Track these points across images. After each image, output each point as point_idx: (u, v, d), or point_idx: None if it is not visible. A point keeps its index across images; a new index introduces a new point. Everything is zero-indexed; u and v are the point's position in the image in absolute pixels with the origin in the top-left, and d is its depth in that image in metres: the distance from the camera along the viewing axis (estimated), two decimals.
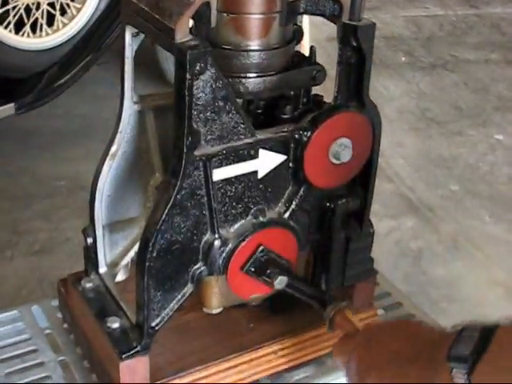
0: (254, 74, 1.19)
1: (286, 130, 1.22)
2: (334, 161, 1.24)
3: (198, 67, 1.08)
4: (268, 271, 1.22)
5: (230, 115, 1.15)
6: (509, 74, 3.78)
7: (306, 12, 1.19)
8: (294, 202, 1.26)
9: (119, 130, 1.28)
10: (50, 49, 3.02)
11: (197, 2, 1.09)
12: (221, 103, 1.13)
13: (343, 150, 1.24)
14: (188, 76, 1.08)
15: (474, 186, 3.06)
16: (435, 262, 2.71)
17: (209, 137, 1.15)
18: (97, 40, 2.99)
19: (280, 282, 1.23)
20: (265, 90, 1.20)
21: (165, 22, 1.10)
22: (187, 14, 1.09)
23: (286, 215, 1.26)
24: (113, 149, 1.28)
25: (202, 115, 1.12)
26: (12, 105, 2.87)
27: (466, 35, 4.14)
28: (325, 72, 1.24)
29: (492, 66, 3.85)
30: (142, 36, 1.23)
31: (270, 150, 1.21)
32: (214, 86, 1.11)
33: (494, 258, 2.68)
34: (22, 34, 2.95)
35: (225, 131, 1.16)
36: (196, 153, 1.14)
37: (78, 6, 3.04)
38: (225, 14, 1.16)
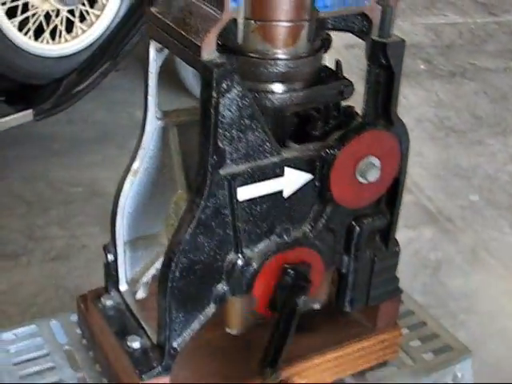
0: (281, 89, 1.16)
1: (312, 148, 1.19)
2: (362, 180, 1.21)
3: (224, 85, 1.05)
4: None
5: (256, 133, 1.12)
6: None
7: (334, 28, 1.16)
8: (319, 222, 1.23)
9: (142, 145, 1.25)
10: (69, 55, 2.99)
11: (224, 18, 1.06)
12: (247, 121, 1.10)
13: (371, 169, 1.20)
14: (214, 94, 1.05)
15: (494, 197, 3.01)
16: (454, 274, 2.67)
17: (234, 155, 1.12)
18: (115, 47, 2.96)
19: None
20: (291, 105, 1.17)
21: (191, 39, 1.07)
22: (214, 31, 1.06)
23: (312, 234, 1.23)
24: (135, 165, 1.26)
25: (227, 133, 1.09)
26: (30, 111, 2.85)
27: (485, 43, 4.09)
28: (352, 87, 1.21)
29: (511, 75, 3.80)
30: (166, 51, 1.20)
31: (296, 168, 1.18)
32: (240, 104, 1.09)
33: None
34: (42, 41, 2.92)
35: (250, 149, 1.13)
36: (221, 172, 1.11)
37: (97, 12, 3.01)
38: (252, 22, 1.12)
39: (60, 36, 2.97)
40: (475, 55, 3.97)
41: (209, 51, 1.06)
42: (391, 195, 1.28)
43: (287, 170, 1.17)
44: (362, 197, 1.24)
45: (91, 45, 3.02)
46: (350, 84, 1.21)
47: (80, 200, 2.91)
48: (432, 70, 3.73)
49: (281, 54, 1.14)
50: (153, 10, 1.16)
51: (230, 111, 1.08)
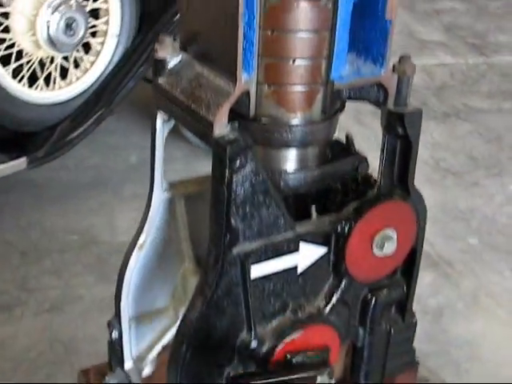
0: (294, 168, 1.10)
1: (327, 220, 1.13)
2: (378, 253, 1.15)
3: (238, 163, 0.99)
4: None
5: (270, 209, 1.06)
6: None
7: (350, 98, 1.10)
8: (334, 296, 1.17)
9: (148, 219, 1.18)
10: (63, 102, 2.93)
11: (236, 92, 1.01)
12: (260, 197, 1.04)
13: (387, 242, 1.14)
14: (227, 172, 0.99)
15: (493, 239, 2.97)
16: (456, 320, 2.61)
17: (247, 233, 1.06)
18: (110, 93, 2.91)
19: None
20: (305, 184, 1.11)
21: (202, 114, 1.01)
22: (226, 105, 1.00)
23: (326, 310, 1.17)
24: (141, 239, 1.19)
25: (240, 211, 1.03)
26: (24, 159, 2.79)
27: (478, 84, 4.07)
28: (367, 162, 1.15)
29: (505, 115, 3.77)
30: (172, 121, 1.14)
31: (311, 242, 1.12)
32: (253, 181, 1.03)
33: None
34: (36, 88, 2.87)
35: (264, 226, 1.07)
36: (234, 251, 1.05)
37: (92, 58, 2.96)
38: (266, 87, 1.07)
39: (54, 83, 2.91)
40: (468, 96, 3.94)
41: (221, 126, 1.00)
42: (408, 266, 1.22)
43: (302, 244, 1.11)
44: (379, 270, 1.18)
45: (86, 91, 2.96)
46: (365, 160, 1.15)
47: (75, 248, 2.85)
48: (426, 111, 3.68)
49: (295, 119, 1.09)
50: (160, 80, 1.10)
51: (244, 188, 1.02)
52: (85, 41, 2.90)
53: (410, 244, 1.19)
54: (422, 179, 3.27)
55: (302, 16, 1.01)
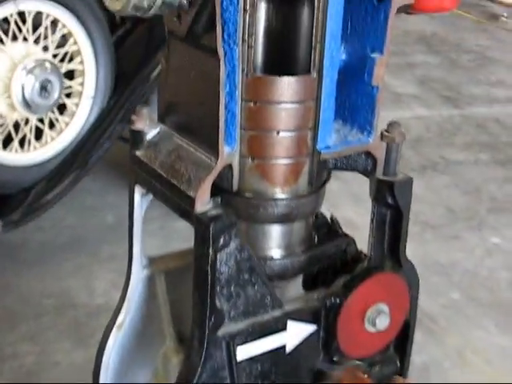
0: (280, 254, 1.04)
1: (316, 296, 1.06)
2: (370, 329, 1.08)
3: (221, 241, 0.92)
4: None
5: (256, 287, 0.99)
6: (499, 175, 3.67)
7: (336, 167, 1.04)
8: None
9: (127, 297, 1.11)
10: (38, 164, 2.86)
11: (218, 166, 0.94)
12: (246, 276, 0.97)
13: (380, 317, 1.07)
14: (211, 251, 0.92)
15: (475, 293, 2.90)
16: (443, 379, 2.53)
17: (232, 313, 0.98)
18: (85, 154, 2.85)
19: None
20: (292, 270, 1.05)
21: (182, 189, 0.94)
22: (208, 180, 0.93)
23: None
24: (120, 318, 1.11)
25: (225, 291, 0.96)
26: None
27: (454, 136, 4.05)
28: (355, 244, 1.09)
29: (482, 167, 3.75)
30: (151, 195, 1.07)
31: (300, 320, 1.04)
32: (238, 258, 0.96)
33: (505, 371, 2.51)
34: (10, 150, 2.79)
35: (250, 305, 0.99)
36: (219, 333, 0.97)
37: (67, 119, 2.89)
38: (249, 160, 1.00)
39: (29, 144, 2.83)
40: (444, 148, 3.92)
41: (203, 202, 0.93)
42: (401, 340, 1.15)
43: (290, 322, 1.03)
44: (371, 346, 1.10)
45: (61, 152, 2.89)
46: (352, 241, 1.09)
47: (52, 312, 2.75)
48: (403, 164, 3.64)
49: (280, 193, 1.02)
50: (138, 153, 1.04)
51: (228, 266, 0.95)
52: (60, 102, 2.85)
53: (403, 317, 1.12)
54: None
55: (286, 87, 0.96)
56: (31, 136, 2.83)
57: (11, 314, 2.71)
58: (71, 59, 2.87)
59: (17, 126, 2.80)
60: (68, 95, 2.90)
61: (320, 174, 1.03)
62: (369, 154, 1.04)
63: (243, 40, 0.92)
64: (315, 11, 0.93)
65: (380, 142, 1.03)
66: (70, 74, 2.88)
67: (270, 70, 0.98)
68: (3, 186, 2.79)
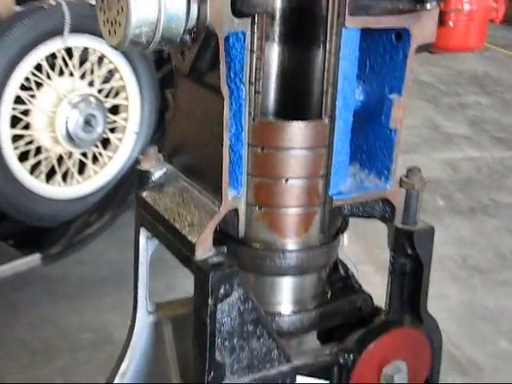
0: (290, 310, 0.97)
1: (328, 352, 0.98)
2: None
3: (222, 290, 0.86)
4: None
5: (262, 340, 0.92)
6: None
7: (352, 214, 0.97)
8: None
9: (131, 344, 1.05)
10: (80, 197, 2.85)
11: (222, 210, 0.88)
12: (250, 327, 0.90)
13: (397, 375, 0.99)
14: (210, 301, 0.86)
15: None
16: None
17: (236, 367, 0.91)
18: (128, 188, 2.83)
19: None
20: (302, 328, 0.97)
21: (184, 234, 0.89)
22: (210, 225, 0.87)
23: None
24: (123, 367, 1.06)
25: (227, 343, 0.89)
26: (38, 255, 2.69)
27: (505, 178, 3.92)
28: (372, 300, 1.01)
29: None
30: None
31: (309, 376, 0.97)
32: (242, 309, 0.89)
33: None
34: (53, 183, 2.79)
35: (255, 359, 0.92)
36: None
37: (111, 154, 2.88)
38: (256, 208, 0.94)
39: (72, 178, 2.83)
40: (495, 191, 3.79)
41: (204, 249, 0.87)
42: None
43: (299, 378, 0.96)
44: None
45: (103, 186, 2.87)
46: (369, 297, 1.01)
47: (88, 347, 2.71)
48: (452, 206, 3.55)
49: (290, 244, 0.95)
50: (143, 194, 0.98)
51: (230, 317, 0.89)
52: (104, 136, 2.84)
53: (424, 377, 1.03)
54: (448, 277, 3.10)
55: (295, 133, 0.89)
56: (74, 170, 2.82)
57: (48, 347, 2.69)
58: (116, 94, 2.87)
59: (60, 159, 2.80)
60: (112, 130, 2.89)
61: (333, 221, 0.96)
62: (386, 201, 0.96)
63: (250, 83, 0.87)
64: (326, 54, 0.87)
65: (398, 189, 0.96)
66: (114, 109, 2.88)
67: (281, 114, 0.92)
68: (45, 219, 2.79)
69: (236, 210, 0.91)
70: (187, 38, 0.82)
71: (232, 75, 0.86)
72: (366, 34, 0.92)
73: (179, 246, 0.90)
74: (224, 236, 0.92)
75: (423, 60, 5.49)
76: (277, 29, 0.91)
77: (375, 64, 0.94)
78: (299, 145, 0.90)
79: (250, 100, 0.87)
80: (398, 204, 0.96)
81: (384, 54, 0.92)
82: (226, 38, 0.84)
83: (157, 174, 0.99)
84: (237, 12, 0.81)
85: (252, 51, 0.85)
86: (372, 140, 0.95)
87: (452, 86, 5.16)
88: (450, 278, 3.11)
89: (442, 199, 3.58)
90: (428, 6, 0.88)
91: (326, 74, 0.88)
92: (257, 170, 0.91)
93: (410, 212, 0.96)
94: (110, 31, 0.80)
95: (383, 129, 0.93)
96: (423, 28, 0.89)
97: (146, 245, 1.00)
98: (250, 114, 0.88)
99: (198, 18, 0.80)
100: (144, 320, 1.05)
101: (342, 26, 0.85)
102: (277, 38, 0.91)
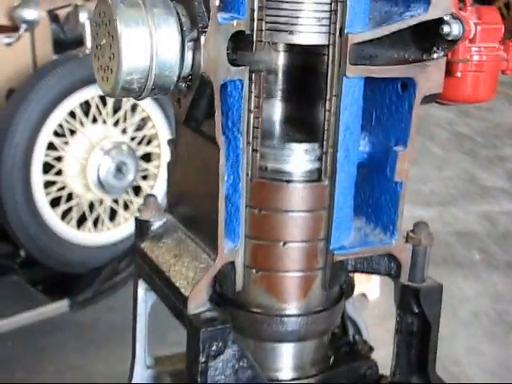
0: (289, 376, 0.92)
1: None
2: None
3: (214, 347, 0.82)
4: None
5: None
6: None
7: (356, 270, 0.92)
8: None
9: None
10: (111, 244, 2.84)
11: (217, 263, 0.85)
12: None
13: None
14: (201, 358, 0.82)
15: None
16: None
17: None
18: None
19: None
20: None
21: (177, 287, 0.85)
22: (205, 279, 0.84)
23: None
24: None
25: None
26: (66, 301, 2.68)
27: None
28: (377, 367, 0.96)
29: None
30: None
31: None
32: (236, 367, 0.85)
33: None
34: (84, 230, 2.79)
35: None
36: None
37: (141, 201, 2.87)
38: (253, 271, 0.90)
39: (102, 224, 2.82)
40: None
41: (197, 303, 0.83)
42: None
43: None
44: None
45: (133, 234, 2.86)
46: (374, 364, 0.96)
47: None
48: (488, 260, 3.45)
49: (288, 309, 0.91)
50: (142, 244, 0.96)
51: (224, 375, 0.84)
52: (135, 184, 2.84)
53: None
54: (480, 333, 2.99)
55: (294, 195, 0.86)
56: (105, 216, 2.82)
57: None
58: (149, 142, 2.87)
59: (91, 206, 2.80)
60: (144, 177, 2.89)
61: (336, 278, 0.91)
62: (392, 257, 0.92)
63: (248, 142, 0.84)
64: (326, 104, 0.83)
65: (404, 244, 0.91)
66: (146, 157, 2.88)
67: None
68: (74, 266, 2.78)
69: (233, 263, 0.87)
70: (182, 85, 0.80)
71: (229, 124, 0.84)
72: (372, 82, 0.89)
73: (173, 300, 0.86)
74: (222, 299, 0.88)
75: (460, 112, 5.43)
76: (278, 85, 0.88)
77: (381, 115, 0.90)
78: (297, 207, 0.86)
79: (247, 160, 0.84)
80: (404, 260, 0.91)
81: (390, 104, 0.89)
82: (224, 86, 0.81)
83: (156, 224, 0.96)
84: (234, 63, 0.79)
85: (250, 110, 0.82)
86: (377, 193, 0.91)
87: (490, 139, 5.07)
88: (484, 334, 3.01)
89: (478, 253, 3.48)
90: (435, 55, 0.84)
91: (325, 135, 0.84)
92: (254, 231, 0.87)
93: (417, 269, 0.92)
94: (103, 78, 0.78)
95: (388, 182, 0.89)
96: (430, 78, 0.85)
97: (145, 296, 0.97)
98: (247, 174, 0.85)
99: (192, 65, 0.78)
100: (142, 374, 1.01)
101: (343, 74, 0.82)
102: (277, 94, 0.89)
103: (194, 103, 0.81)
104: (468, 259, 3.43)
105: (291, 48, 0.88)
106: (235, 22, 0.79)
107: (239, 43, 0.80)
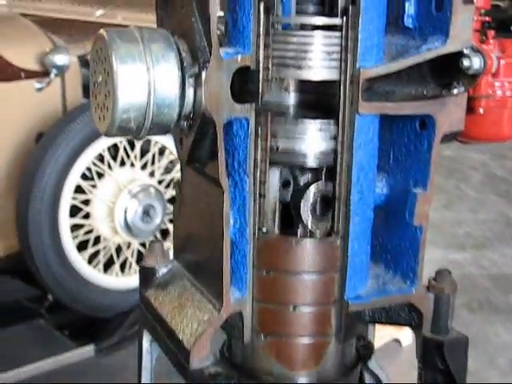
0: None
1: None
2: None
3: None
4: None
5: None
6: None
7: (373, 321, 0.85)
8: None
9: None
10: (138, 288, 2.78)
11: (223, 313, 0.78)
12: None
13: None
14: None
15: None
16: None
17: None
18: None
19: None
20: None
21: (180, 339, 0.79)
22: (208, 332, 0.77)
23: None
24: None
25: None
26: (92, 346, 2.62)
27: None
28: None
29: None
30: None
31: None
32: None
33: None
34: (111, 273, 2.74)
35: None
36: None
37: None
38: (261, 336, 0.83)
39: (130, 268, 2.78)
40: None
41: (201, 358, 0.77)
42: None
43: None
44: None
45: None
46: None
47: None
48: None
49: (299, 377, 0.84)
50: (147, 292, 0.90)
51: None
52: (162, 227, 2.80)
53: None
54: None
55: (304, 255, 0.80)
56: (132, 260, 2.77)
57: None
58: None
59: (119, 249, 2.76)
60: (172, 220, 2.84)
61: (350, 331, 0.84)
62: (413, 307, 0.84)
63: (254, 200, 0.78)
64: (338, 145, 0.77)
65: (426, 293, 0.84)
66: (174, 200, 2.84)
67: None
68: (101, 310, 2.73)
69: (240, 314, 0.80)
70: (184, 124, 0.75)
71: (236, 165, 0.78)
72: (389, 121, 0.83)
73: (176, 353, 0.80)
74: (229, 365, 0.81)
75: (496, 153, 5.32)
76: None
77: (399, 155, 0.84)
78: (308, 268, 0.80)
79: (253, 220, 0.78)
80: (425, 310, 0.84)
81: (408, 143, 0.82)
82: (229, 124, 0.76)
83: (161, 271, 0.90)
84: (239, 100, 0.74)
85: (256, 166, 0.77)
86: (396, 238, 0.84)
87: None
88: None
89: None
90: (455, 91, 0.78)
91: (337, 193, 0.78)
92: (261, 294, 0.81)
93: (441, 319, 0.84)
94: (99, 117, 0.74)
95: (407, 226, 0.82)
96: (450, 115, 0.79)
97: (150, 348, 0.91)
98: (254, 234, 0.79)
99: (194, 102, 0.73)
100: None
101: (356, 111, 0.76)
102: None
103: (196, 143, 0.75)
104: (505, 304, 3.30)
105: (301, 86, 0.82)
106: (239, 57, 0.74)
107: (245, 79, 0.75)
